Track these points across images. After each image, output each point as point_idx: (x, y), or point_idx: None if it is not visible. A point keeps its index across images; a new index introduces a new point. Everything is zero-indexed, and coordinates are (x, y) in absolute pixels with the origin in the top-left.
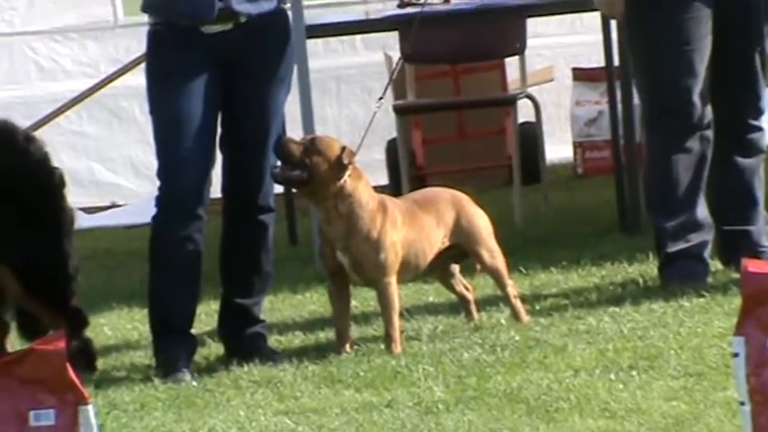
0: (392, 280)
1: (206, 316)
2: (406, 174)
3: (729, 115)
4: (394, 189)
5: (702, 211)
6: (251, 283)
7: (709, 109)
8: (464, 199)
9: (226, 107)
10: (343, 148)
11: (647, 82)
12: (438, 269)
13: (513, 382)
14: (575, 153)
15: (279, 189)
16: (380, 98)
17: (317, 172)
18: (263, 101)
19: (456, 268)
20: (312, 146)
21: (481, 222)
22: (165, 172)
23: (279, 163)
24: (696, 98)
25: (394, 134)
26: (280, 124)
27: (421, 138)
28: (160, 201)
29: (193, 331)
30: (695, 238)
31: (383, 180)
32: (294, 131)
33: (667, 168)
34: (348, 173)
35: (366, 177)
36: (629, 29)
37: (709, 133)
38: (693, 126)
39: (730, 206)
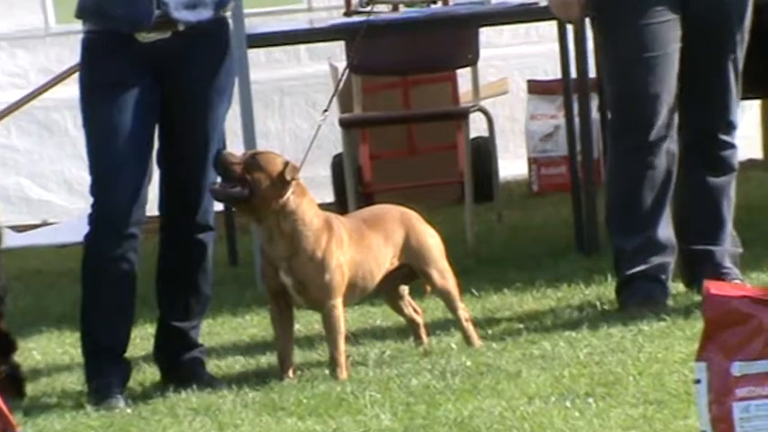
0: (338, 302)
1: (141, 340)
2: (352, 191)
3: (699, 129)
4: (340, 207)
5: (665, 231)
6: (189, 306)
7: (675, 121)
8: (414, 217)
9: (163, 120)
10: (286, 164)
11: (611, 91)
12: (386, 291)
13: (465, 410)
14: (530, 169)
15: (219, 206)
16: (325, 110)
17: (258, 189)
18: (203, 113)
19: (405, 290)
20: (253, 161)
21: (432, 241)
22: (98, 188)
23: (219, 179)
24: (661, 109)
25: (340, 149)
26: (220, 138)
27: (368, 153)
28: (93, 218)
29: (128, 356)
30: (655, 260)
31: (329, 197)
32: (235, 146)
33: (629, 185)
34: (291, 190)
35: (310, 194)
36: (594, 34)
37: (675, 148)
38: (658, 140)
39: (695, 225)
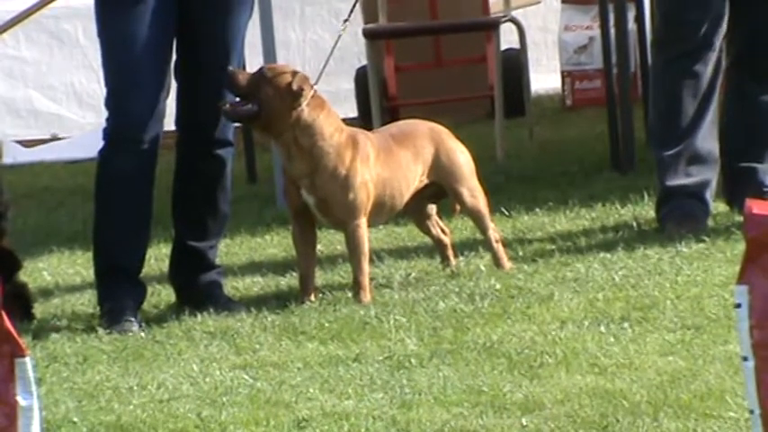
0: (362, 222)
1: (156, 260)
2: (376, 105)
3: (748, 39)
4: (364, 122)
5: (707, 143)
6: (206, 225)
7: (723, 30)
8: (444, 132)
9: (182, 30)
10: (294, 74)
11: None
12: (413, 210)
13: (494, 335)
14: (563, 83)
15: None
16: (346, 20)
17: (267, 103)
18: (224, 23)
19: (433, 209)
20: (261, 75)
21: (462, 158)
22: (114, 100)
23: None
24: (709, 15)
25: (363, 61)
26: (241, 49)
27: (393, 65)
28: (108, 132)
29: (142, 277)
30: (696, 173)
31: (352, 112)
32: (253, 58)
33: (670, 92)
34: (306, 102)
35: (330, 107)
36: None
37: (721, 58)
38: (703, 47)
39: (738, 141)
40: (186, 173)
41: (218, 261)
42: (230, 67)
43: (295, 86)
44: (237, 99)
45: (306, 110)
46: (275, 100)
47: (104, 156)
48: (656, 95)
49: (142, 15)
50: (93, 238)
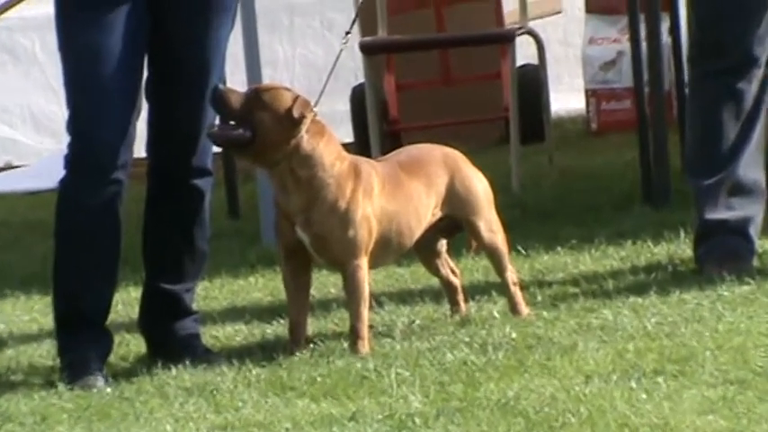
0: (362, 262)
1: (124, 306)
2: (375, 129)
3: None
4: (360, 148)
5: (752, 172)
6: (181, 265)
7: None
8: (459, 158)
9: (154, 43)
10: (295, 99)
11: (697, 6)
12: (423, 247)
13: (509, 391)
14: (587, 104)
15: (216, 149)
16: (348, 32)
17: (263, 130)
18: (202, 35)
19: (443, 246)
20: (256, 97)
21: (480, 188)
22: (78, 123)
23: (217, 120)
24: (755, 28)
25: (361, 79)
26: (222, 65)
27: (394, 83)
28: (70, 160)
29: (108, 325)
30: (738, 206)
31: (347, 137)
32: (235, 76)
33: (709, 113)
34: (305, 129)
35: (330, 133)
36: None
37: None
38: (747, 63)
39: None
40: (158, 205)
41: (195, 306)
42: (220, 86)
43: (296, 113)
44: (228, 123)
45: (305, 137)
46: (272, 126)
47: (66, 186)
48: (693, 117)
49: (110, 26)
50: (53, 280)
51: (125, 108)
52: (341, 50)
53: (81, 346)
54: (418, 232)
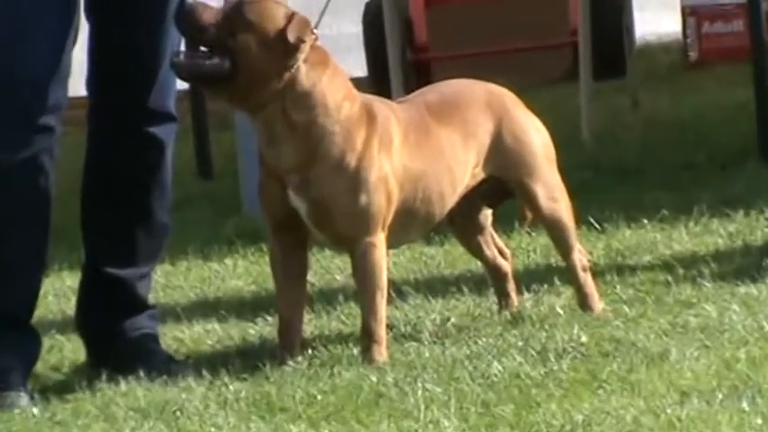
0: (378, 239)
1: (55, 297)
2: (396, 59)
3: None
4: (375, 85)
5: None
6: (133, 243)
7: None
8: (509, 99)
9: None
10: (291, 17)
11: None
12: (460, 219)
13: (577, 414)
14: (684, 26)
15: (182, 85)
16: None
17: (247, 59)
18: None
19: (488, 219)
20: (237, 15)
21: (537, 140)
22: None
23: (183, 45)
24: None
25: None
26: None
27: None
28: None
29: (34, 323)
30: None
31: (359, 70)
32: None
33: None
34: (303, 58)
35: (335, 64)
36: None
37: None
38: None
39: None
40: (103, 162)
41: (152, 299)
42: (191, 0)
43: (292, 36)
44: (199, 49)
45: (303, 69)
46: (260, 54)
47: None
48: None
49: None
50: None
51: (55, 30)
52: None
53: (0, 352)
54: (452, 199)
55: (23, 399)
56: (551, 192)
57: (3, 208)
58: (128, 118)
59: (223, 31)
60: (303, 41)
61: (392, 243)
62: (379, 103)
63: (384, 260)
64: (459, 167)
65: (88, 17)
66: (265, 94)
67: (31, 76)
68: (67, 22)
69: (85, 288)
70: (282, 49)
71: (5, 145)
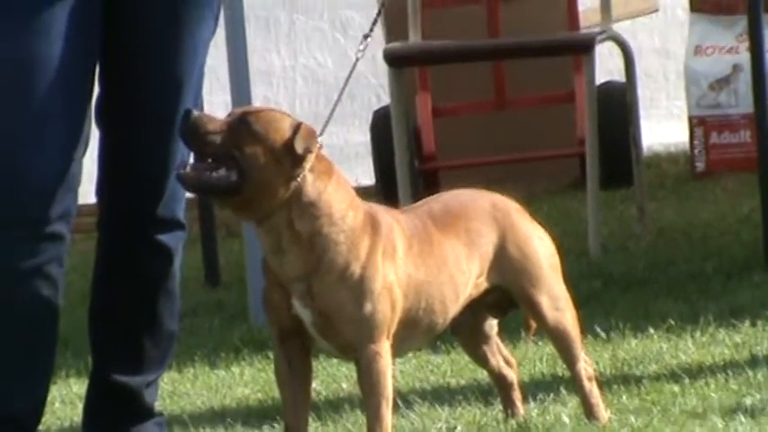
0: (383, 348)
1: (62, 404)
2: (404, 168)
3: None
4: (383, 193)
5: None
6: (141, 350)
7: None
8: (513, 209)
9: (109, 53)
10: (297, 127)
11: None
12: (464, 329)
13: None
14: (692, 136)
15: (191, 194)
16: (367, 36)
17: (253, 170)
18: (173, 40)
19: (493, 328)
20: (243, 126)
21: (541, 250)
22: (2, 157)
23: (191, 157)
24: None
25: (385, 100)
26: (198, 83)
27: (430, 107)
28: None
29: (42, 429)
30: None
31: (366, 178)
32: (217, 97)
33: None
34: (308, 167)
35: (339, 174)
36: None
37: None
38: None
39: None
40: (112, 270)
41: (158, 406)
42: (194, 111)
43: (300, 147)
44: (206, 160)
45: (309, 179)
46: (267, 165)
47: None
48: None
49: (47, 28)
50: None
51: (66, 138)
52: (357, 60)
53: None
54: (455, 308)
55: None
56: (556, 302)
57: (9, 318)
58: (137, 227)
59: (229, 143)
60: (311, 152)
61: (395, 352)
62: (381, 212)
63: (389, 368)
64: (461, 277)
65: (98, 123)
66: (271, 204)
67: (39, 184)
68: (77, 128)
69: (92, 395)
70: (289, 159)
71: (14, 254)
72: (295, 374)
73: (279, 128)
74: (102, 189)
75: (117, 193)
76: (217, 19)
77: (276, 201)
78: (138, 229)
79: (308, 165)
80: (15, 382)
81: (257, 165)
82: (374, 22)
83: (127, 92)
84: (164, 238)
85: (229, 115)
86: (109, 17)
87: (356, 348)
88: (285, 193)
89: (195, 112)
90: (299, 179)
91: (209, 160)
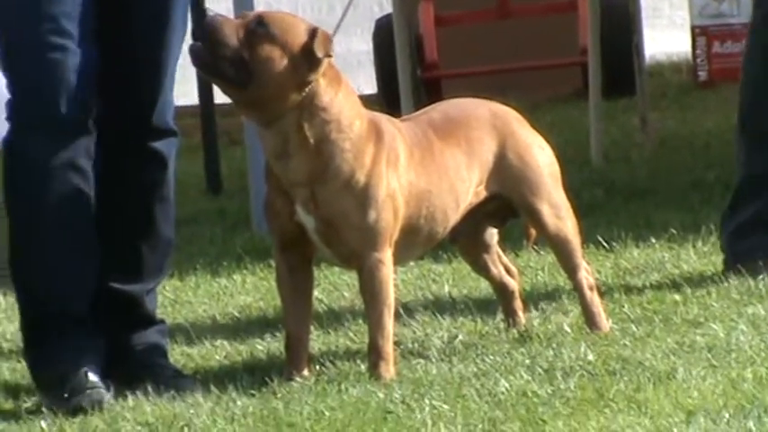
0: (386, 256)
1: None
2: (406, 76)
3: None
4: (385, 102)
5: None
6: (139, 257)
7: None
8: (514, 118)
9: None
10: (314, 32)
11: None
12: (464, 238)
13: None
14: (694, 45)
15: (189, 98)
16: None
17: (269, 70)
18: None
19: (494, 237)
20: (260, 28)
21: (541, 158)
22: (23, 56)
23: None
24: None
25: (387, 9)
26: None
27: (433, 15)
28: (17, 108)
29: None
30: None
31: (368, 87)
32: (218, 5)
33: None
34: (321, 72)
35: (347, 82)
36: None
37: None
38: None
39: None
40: (107, 179)
41: (159, 313)
42: (210, 12)
43: (321, 51)
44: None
45: (322, 84)
46: (283, 66)
47: (16, 144)
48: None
49: None
50: (14, 273)
51: (82, 36)
52: None
53: (72, 351)
54: (455, 217)
55: (105, 395)
56: (557, 210)
57: (51, 214)
58: (131, 134)
59: (246, 45)
60: (330, 56)
61: (399, 260)
62: (384, 121)
63: (391, 277)
64: (462, 185)
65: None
66: (283, 106)
67: (61, 83)
68: (89, 24)
69: (92, 303)
70: (306, 63)
71: (47, 151)
72: (296, 282)
73: (296, 31)
74: (98, 100)
75: (112, 102)
76: None
77: (288, 103)
78: (132, 137)
79: (321, 69)
80: (70, 282)
81: (273, 65)
82: None
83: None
84: (157, 145)
85: (241, 17)
86: None
87: (359, 256)
88: (297, 97)
89: (210, 13)
90: (312, 83)
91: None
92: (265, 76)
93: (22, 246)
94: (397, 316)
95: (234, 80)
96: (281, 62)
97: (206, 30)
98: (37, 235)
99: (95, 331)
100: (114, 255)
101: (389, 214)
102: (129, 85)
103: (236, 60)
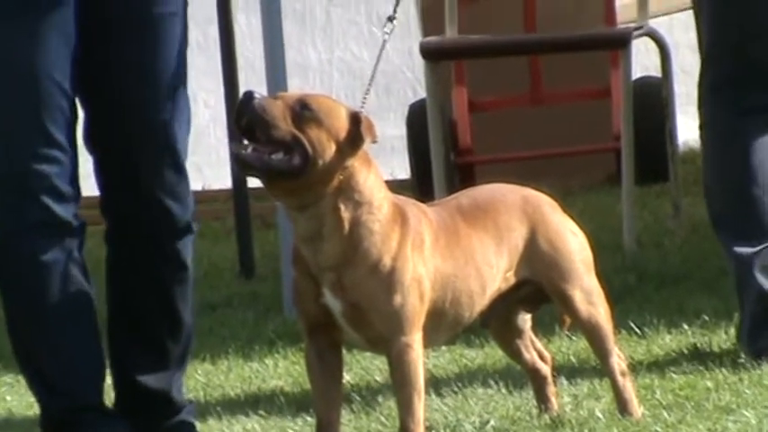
0: (414, 340)
1: None
2: (440, 161)
3: None
4: (420, 187)
5: None
6: (164, 351)
7: None
8: (545, 204)
9: (86, 75)
10: (355, 116)
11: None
12: (496, 323)
13: None
14: None
15: (224, 181)
16: (391, 17)
17: (319, 154)
18: (144, 55)
19: (526, 322)
20: (306, 111)
21: (573, 245)
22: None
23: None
24: None
25: (421, 94)
26: (183, 76)
27: (467, 101)
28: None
29: None
30: None
31: (401, 172)
32: (252, 88)
33: (738, 159)
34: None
35: (376, 165)
36: None
37: None
38: None
39: None
40: (126, 281)
41: (188, 395)
42: (256, 93)
43: (368, 136)
44: (264, 144)
45: (357, 167)
46: (330, 150)
47: (7, 239)
48: (713, 168)
49: (43, 32)
50: (26, 372)
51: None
52: (383, 43)
53: None
54: (482, 302)
55: None
56: (589, 296)
57: (60, 301)
58: (147, 240)
59: (294, 127)
60: (375, 141)
61: (427, 343)
62: (409, 204)
63: (421, 360)
64: (489, 271)
65: (88, 146)
66: (324, 189)
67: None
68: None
69: (121, 400)
70: (350, 147)
71: (42, 240)
72: (326, 367)
73: (338, 115)
74: (107, 207)
75: (121, 212)
76: (185, 16)
77: (329, 187)
78: (148, 243)
79: (357, 154)
80: (80, 369)
81: (323, 149)
82: (397, 2)
83: (111, 112)
84: (177, 245)
85: (278, 98)
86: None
87: (386, 340)
88: (339, 179)
89: (257, 95)
90: (348, 166)
91: (266, 145)
92: (320, 161)
93: (31, 341)
94: (429, 400)
95: (287, 170)
96: (330, 147)
97: (255, 111)
98: (45, 329)
99: (118, 418)
100: (140, 351)
101: (416, 298)
102: (135, 194)
103: (290, 146)
